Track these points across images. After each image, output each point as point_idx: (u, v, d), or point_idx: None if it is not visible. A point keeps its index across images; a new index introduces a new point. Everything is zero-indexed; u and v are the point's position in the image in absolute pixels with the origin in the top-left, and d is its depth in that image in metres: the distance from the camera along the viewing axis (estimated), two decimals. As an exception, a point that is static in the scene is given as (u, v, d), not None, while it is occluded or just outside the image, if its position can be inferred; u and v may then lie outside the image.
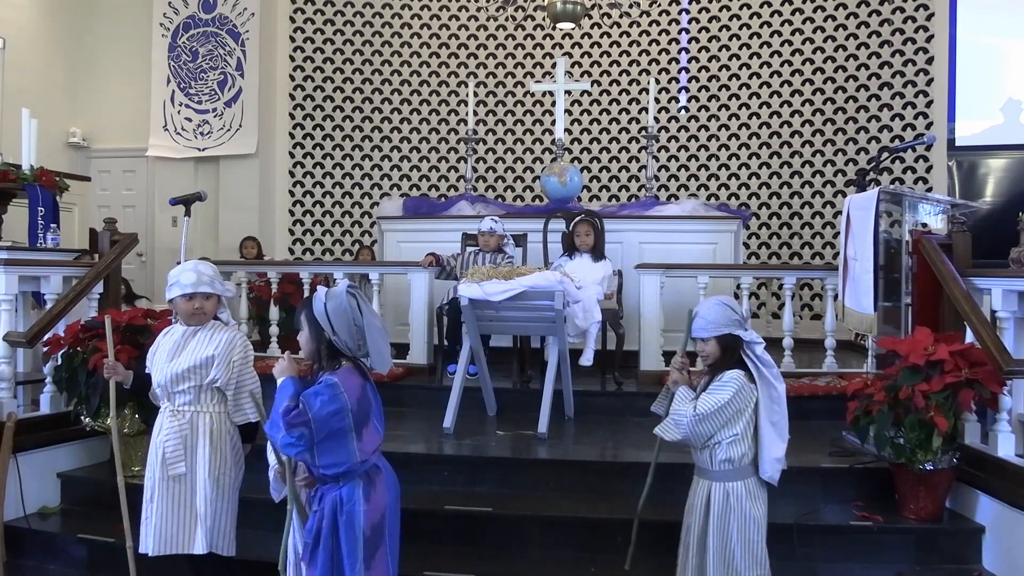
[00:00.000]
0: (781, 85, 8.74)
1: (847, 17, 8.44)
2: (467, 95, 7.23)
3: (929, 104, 8.03)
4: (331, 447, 2.31)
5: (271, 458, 2.55)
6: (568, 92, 7.59)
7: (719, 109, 8.96)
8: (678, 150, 9.11)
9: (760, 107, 8.82)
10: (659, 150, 8.84)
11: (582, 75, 9.19)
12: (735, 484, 2.62)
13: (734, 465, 2.61)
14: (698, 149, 9.07)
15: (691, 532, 2.69)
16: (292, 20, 9.28)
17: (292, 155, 9.30)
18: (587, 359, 4.91)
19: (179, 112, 8.83)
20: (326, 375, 2.35)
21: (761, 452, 2.63)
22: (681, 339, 5.72)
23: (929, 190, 7.78)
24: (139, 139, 8.90)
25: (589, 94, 9.19)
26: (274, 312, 5.99)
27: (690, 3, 8.53)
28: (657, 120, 7.79)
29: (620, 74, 9.31)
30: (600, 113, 9.35)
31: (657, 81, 8.16)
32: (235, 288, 4.01)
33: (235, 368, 2.87)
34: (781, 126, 8.75)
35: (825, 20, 8.55)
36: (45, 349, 4.19)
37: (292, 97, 9.28)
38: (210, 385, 2.85)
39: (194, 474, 2.82)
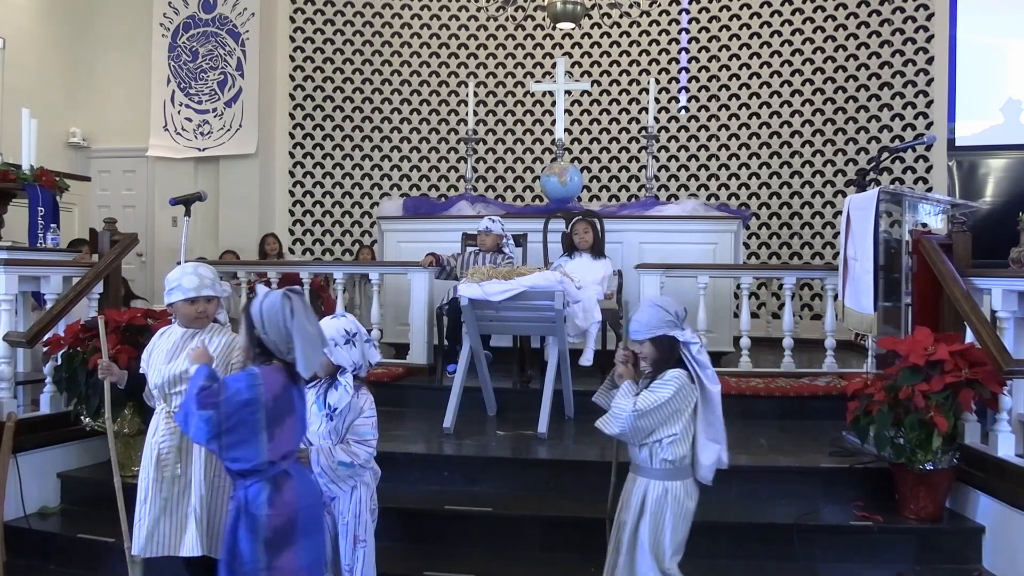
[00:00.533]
0: (781, 85, 8.74)
1: (847, 17, 8.44)
2: (467, 95, 7.23)
3: (929, 104, 8.04)
4: (240, 440, 2.28)
5: None
6: (568, 92, 7.59)
7: (719, 109, 8.96)
8: (678, 150, 9.11)
9: (760, 107, 8.82)
10: (659, 150, 8.84)
11: (582, 75, 9.19)
12: (674, 484, 2.62)
13: (674, 465, 2.61)
14: (698, 149, 9.07)
15: (623, 529, 2.68)
16: (292, 20, 9.29)
17: (292, 155, 9.30)
18: (587, 359, 4.91)
19: (179, 112, 8.83)
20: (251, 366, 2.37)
21: (696, 452, 2.63)
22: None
23: (929, 190, 7.78)
24: (139, 139, 8.90)
25: (589, 94, 9.19)
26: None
27: (690, 3, 8.53)
28: (657, 120, 7.79)
29: (620, 74, 9.32)
30: (600, 113, 9.35)
31: (657, 81, 8.16)
32: (231, 288, 4.02)
33: (233, 370, 2.86)
34: (781, 126, 8.75)
35: (825, 20, 8.55)
36: (45, 349, 4.19)
37: (292, 97, 9.28)
38: None
39: (188, 476, 2.82)
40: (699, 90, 8.97)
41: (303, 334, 2.34)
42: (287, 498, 2.35)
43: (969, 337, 3.55)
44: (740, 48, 8.90)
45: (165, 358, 2.88)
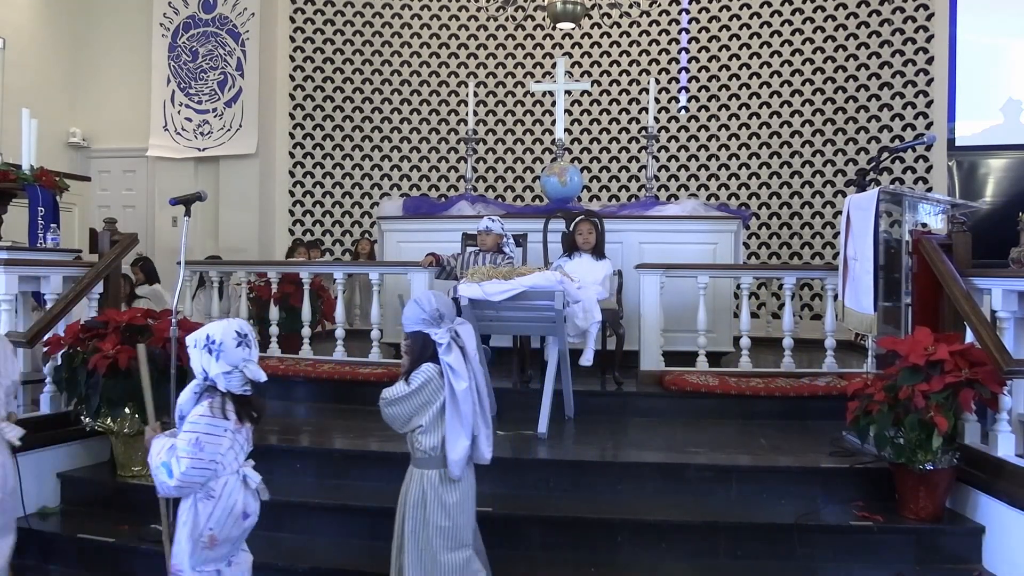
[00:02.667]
0: (781, 85, 8.74)
1: (847, 17, 8.44)
2: (467, 95, 7.23)
3: (929, 104, 8.04)
4: None
5: None
6: (568, 92, 7.59)
7: (719, 109, 8.96)
8: (678, 150, 9.11)
9: (760, 107, 8.82)
10: (659, 150, 8.84)
11: (582, 75, 9.20)
12: (431, 472, 2.72)
13: (428, 454, 2.71)
14: (698, 149, 9.07)
15: (397, 516, 2.81)
16: (292, 20, 9.29)
17: (292, 155, 9.30)
18: (587, 359, 4.89)
19: (179, 112, 8.83)
20: None
21: (445, 447, 2.70)
22: (674, 338, 5.74)
23: (929, 190, 7.78)
24: (139, 139, 8.90)
25: (589, 94, 9.19)
26: (274, 312, 5.99)
27: (690, 3, 8.53)
28: (657, 120, 7.79)
29: (620, 74, 9.32)
30: (600, 113, 9.36)
31: (657, 81, 8.16)
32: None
33: None
34: (781, 126, 8.75)
35: (825, 20, 8.55)
36: (45, 349, 4.19)
37: (292, 97, 9.28)
38: None
39: None
40: (699, 90, 8.97)
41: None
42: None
43: (969, 337, 3.55)
44: (740, 48, 8.90)
45: None
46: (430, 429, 2.69)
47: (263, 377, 2.64)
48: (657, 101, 8.17)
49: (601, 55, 9.36)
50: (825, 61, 8.54)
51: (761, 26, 8.82)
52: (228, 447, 2.58)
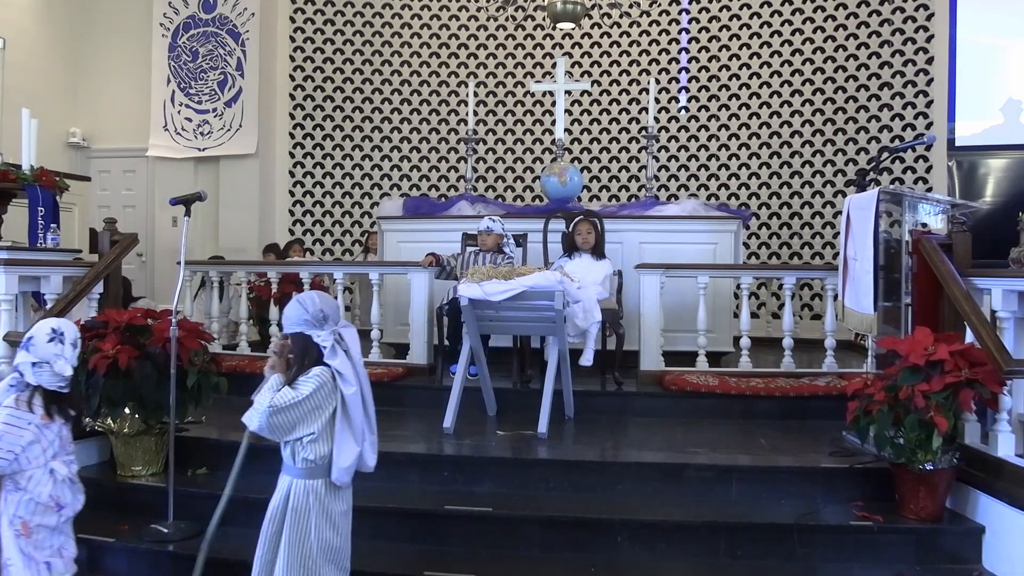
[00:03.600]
0: (781, 85, 8.74)
1: (847, 17, 8.44)
2: (467, 95, 7.23)
3: (929, 104, 8.04)
4: None
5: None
6: (568, 92, 7.59)
7: (719, 109, 8.96)
8: (678, 150, 9.11)
9: (760, 107, 8.82)
10: (659, 150, 8.84)
11: (582, 75, 9.20)
12: (316, 482, 2.58)
13: (315, 464, 2.57)
14: (698, 149, 9.07)
15: (269, 527, 2.63)
16: (292, 20, 9.29)
17: (292, 155, 9.30)
18: (587, 359, 4.90)
19: (179, 112, 8.83)
20: None
21: (333, 453, 2.58)
22: (674, 338, 5.74)
23: (929, 190, 7.78)
24: (139, 139, 8.90)
25: (589, 94, 9.19)
26: (274, 312, 5.99)
27: (690, 3, 8.52)
28: (657, 120, 7.80)
29: (620, 74, 9.32)
30: (600, 113, 9.36)
31: (657, 81, 8.16)
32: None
33: None
34: (781, 126, 8.75)
35: (825, 20, 8.55)
36: (45, 349, 4.18)
37: (292, 97, 9.28)
38: None
39: None
40: (699, 90, 8.97)
41: None
42: None
43: (969, 337, 3.55)
44: (740, 48, 8.90)
45: None
46: (321, 436, 2.56)
47: (68, 372, 2.76)
48: (657, 101, 8.17)
49: (601, 55, 9.36)
50: (825, 61, 8.54)
51: (761, 26, 8.82)
52: (31, 440, 2.67)
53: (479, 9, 9.38)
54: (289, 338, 2.62)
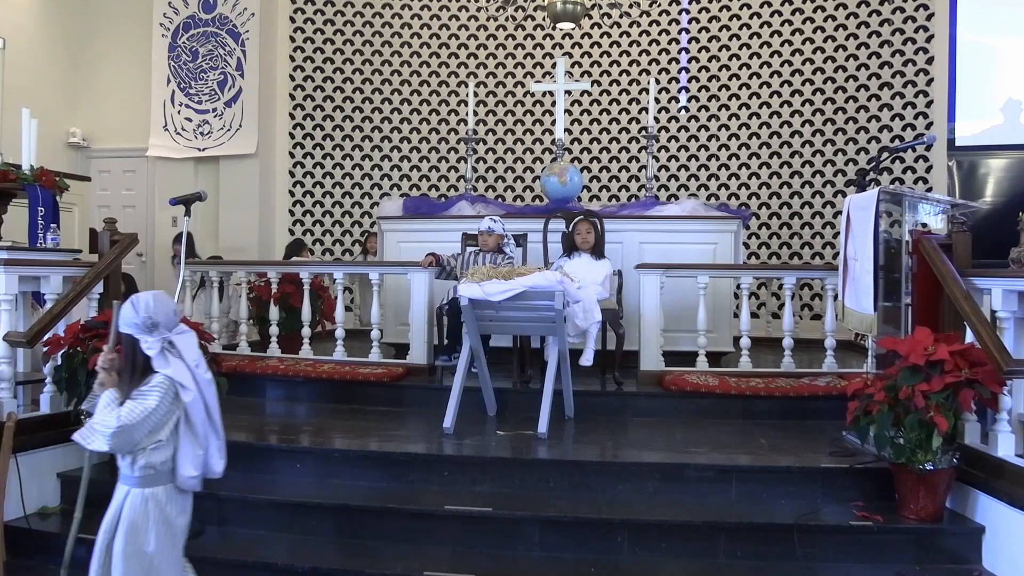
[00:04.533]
0: (781, 85, 8.74)
1: (847, 17, 8.44)
2: (467, 95, 7.23)
3: (929, 104, 8.04)
4: None
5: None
6: (568, 92, 7.59)
7: (719, 109, 8.96)
8: (678, 150, 9.11)
9: (760, 107, 8.82)
10: (659, 150, 8.85)
11: (582, 75, 9.20)
12: (156, 489, 2.50)
13: (156, 470, 2.50)
14: (698, 149, 9.07)
15: (105, 538, 2.54)
16: (292, 20, 9.29)
17: (292, 155, 9.30)
18: (587, 359, 4.91)
19: (179, 112, 8.83)
20: None
21: (179, 458, 2.52)
22: (674, 338, 5.73)
23: (929, 190, 7.78)
24: (139, 139, 8.90)
25: (589, 94, 9.19)
26: (274, 312, 5.99)
27: (690, 3, 8.52)
28: (657, 120, 7.80)
29: (620, 74, 9.32)
30: (600, 113, 9.36)
31: (657, 81, 8.16)
32: None
33: None
34: (781, 126, 8.75)
35: (825, 20, 8.55)
36: (45, 349, 4.19)
37: (292, 97, 9.28)
38: None
39: None
40: (699, 90, 8.97)
41: None
42: None
43: (969, 337, 3.55)
44: (740, 48, 8.90)
45: None
46: (168, 442, 2.49)
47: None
48: (657, 101, 8.17)
49: (601, 55, 9.36)
50: (825, 61, 8.54)
51: (761, 26, 8.82)
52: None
53: (479, 9, 9.38)
54: (116, 353, 2.52)
